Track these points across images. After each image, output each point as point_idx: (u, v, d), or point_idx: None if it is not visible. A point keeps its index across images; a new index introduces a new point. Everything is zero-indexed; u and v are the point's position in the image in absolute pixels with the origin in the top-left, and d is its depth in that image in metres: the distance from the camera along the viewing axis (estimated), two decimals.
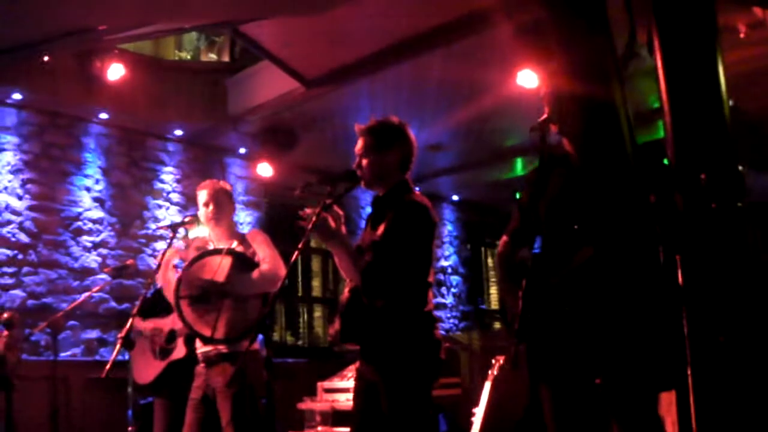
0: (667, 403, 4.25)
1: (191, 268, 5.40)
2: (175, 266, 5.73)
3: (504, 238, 4.40)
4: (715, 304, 3.49)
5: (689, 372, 3.49)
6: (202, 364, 5.51)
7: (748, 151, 11.01)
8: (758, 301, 3.54)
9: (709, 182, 3.51)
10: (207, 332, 5.28)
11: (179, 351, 6.63)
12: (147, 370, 6.85)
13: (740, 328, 3.46)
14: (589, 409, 3.88)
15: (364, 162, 4.37)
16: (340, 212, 4.31)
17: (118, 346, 5.33)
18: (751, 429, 3.36)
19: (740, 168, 3.56)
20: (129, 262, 7.82)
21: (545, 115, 3.94)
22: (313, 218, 4.10)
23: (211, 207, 5.66)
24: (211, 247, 5.72)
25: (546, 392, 3.93)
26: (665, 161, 3.84)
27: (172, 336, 6.71)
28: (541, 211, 4.08)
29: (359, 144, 4.42)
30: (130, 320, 5.52)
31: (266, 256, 5.49)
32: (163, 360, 6.74)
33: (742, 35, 7.47)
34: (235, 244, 5.55)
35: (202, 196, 5.71)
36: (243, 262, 5.44)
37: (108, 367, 5.31)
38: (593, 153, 3.94)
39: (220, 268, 5.36)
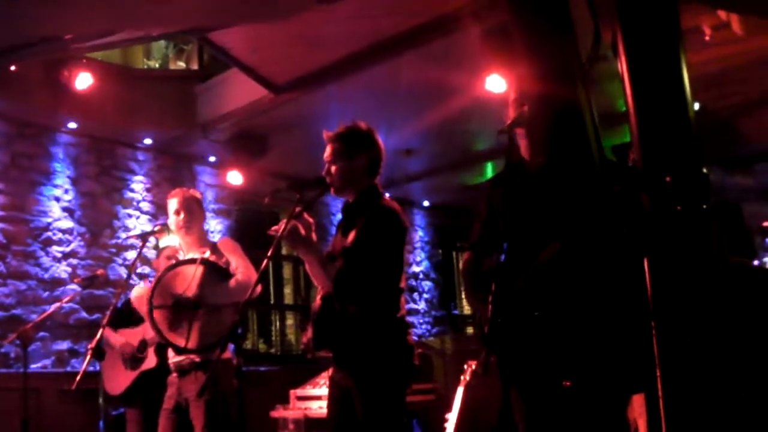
0: (640, 405, 4.28)
1: (164, 277, 5.38)
2: (146, 276, 5.71)
3: (467, 252, 4.42)
4: (683, 305, 3.51)
5: (658, 373, 3.50)
6: (174, 374, 5.49)
7: (717, 151, 11.12)
8: (724, 301, 3.56)
9: (674, 184, 3.53)
10: (180, 342, 5.25)
11: (150, 361, 6.60)
12: (118, 380, 6.82)
13: (707, 328, 3.48)
14: (560, 413, 3.89)
15: (333, 168, 4.38)
16: (310, 219, 4.32)
17: (88, 357, 5.31)
18: (719, 429, 3.38)
19: (704, 170, 3.59)
20: (99, 271, 7.77)
21: (512, 119, 3.96)
22: (283, 226, 4.11)
23: (182, 215, 5.65)
24: (181, 255, 5.70)
25: (516, 396, 3.94)
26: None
27: (143, 346, 6.68)
28: (502, 220, 4.10)
29: (328, 151, 4.42)
30: (101, 330, 5.50)
31: (239, 266, 5.48)
32: (134, 370, 6.71)
33: (707, 37, 7.52)
34: (207, 253, 5.53)
35: (173, 204, 5.69)
36: (216, 272, 5.41)
37: (78, 378, 5.29)
38: (559, 155, 3.96)
39: (193, 277, 5.33)
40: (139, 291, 5.67)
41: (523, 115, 3.97)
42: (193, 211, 5.71)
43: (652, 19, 3.87)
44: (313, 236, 4.30)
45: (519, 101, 4.10)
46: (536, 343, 3.85)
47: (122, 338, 6.85)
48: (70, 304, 9.71)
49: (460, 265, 15.89)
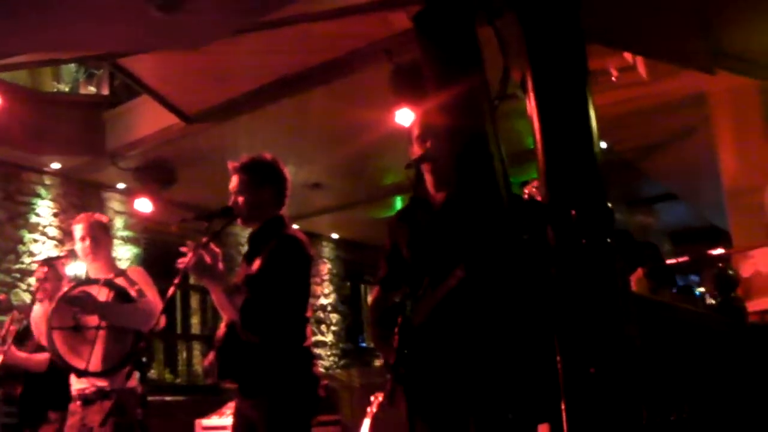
0: None
1: (65, 298, 5.25)
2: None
3: (376, 287, 4.43)
4: (586, 337, 3.58)
5: (563, 404, 3.56)
6: (77, 402, 5.35)
7: (621, 191, 11.37)
8: (627, 333, 3.63)
9: (579, 219, 3.60)
10: (80, 365, 5.14)
11: None
12: None
13: (610, 359, 3.56)
14: None
15: (240, 199, 4.39)
16: (217, 250, 4.30)
17: None
18: None
19: (609, 205, 3.67)
20: (2, 296, 7.62)
21: (420, 153, 4.01)
22: (189, 255, 4.09)
23: (87, 241, 5.55)
24: None
25: (422, 428, 3.95)
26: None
27: None
28: (406, 255, 4.13)
29: (233, 181, 4.43)
30: (1, 357, 5.38)
31: (147, 296, 5.40)
32: None
33: (613, 78, 7.71)
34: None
35: (78, 230, 5.59)
36: (121, 295, 5.32)
37: None
38: (465, 188, 4.01)
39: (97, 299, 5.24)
40: (38, 312, 5.50)
41: (429, 150, 4.02)
42: (99, 238, 5.61)
43: (561, 59, 3.97)
44: (220, 266, 4.27)
45: (422, 137, 4.13)
46: (441, 375, 3.88)
47: None
48: None
49: (369, 298, 15.97)
